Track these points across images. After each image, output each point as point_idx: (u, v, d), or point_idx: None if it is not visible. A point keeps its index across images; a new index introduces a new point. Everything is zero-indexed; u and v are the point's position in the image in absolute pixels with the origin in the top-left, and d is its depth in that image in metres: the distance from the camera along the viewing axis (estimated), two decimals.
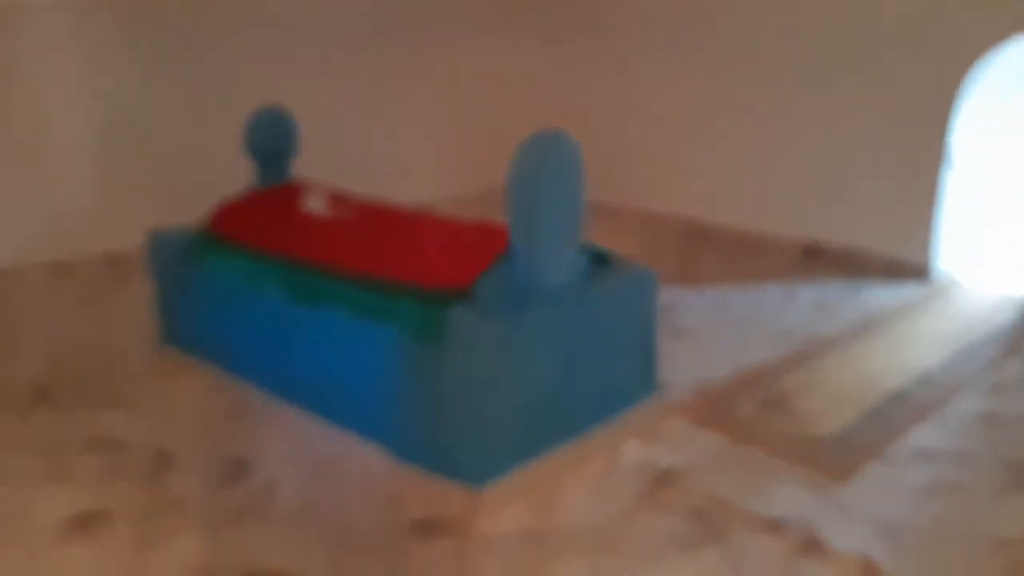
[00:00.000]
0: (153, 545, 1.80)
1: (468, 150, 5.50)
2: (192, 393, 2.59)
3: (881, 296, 3.68)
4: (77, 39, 3.86)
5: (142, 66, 4.06)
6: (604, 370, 2.22)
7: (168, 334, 2.86)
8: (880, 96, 3.93)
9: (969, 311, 3.48)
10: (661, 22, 4.87)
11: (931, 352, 3.00)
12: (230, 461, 2.18)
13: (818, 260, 4.24)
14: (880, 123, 3.96)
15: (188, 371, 2.72)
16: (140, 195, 4.05)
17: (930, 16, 3.66)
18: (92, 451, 2.22)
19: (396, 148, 5.15)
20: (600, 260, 2.31)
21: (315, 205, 2.49)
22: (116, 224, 3.92)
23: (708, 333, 3.19)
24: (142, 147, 4.10)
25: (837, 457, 2.21)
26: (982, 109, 3.86)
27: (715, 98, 4.67)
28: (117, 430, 2.33)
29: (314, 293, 2.17)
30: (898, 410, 2.51)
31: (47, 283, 3.73)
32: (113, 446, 2.25)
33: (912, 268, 3.94)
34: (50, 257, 3.87)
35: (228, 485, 2.06)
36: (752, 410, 2.51)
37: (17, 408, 2.48)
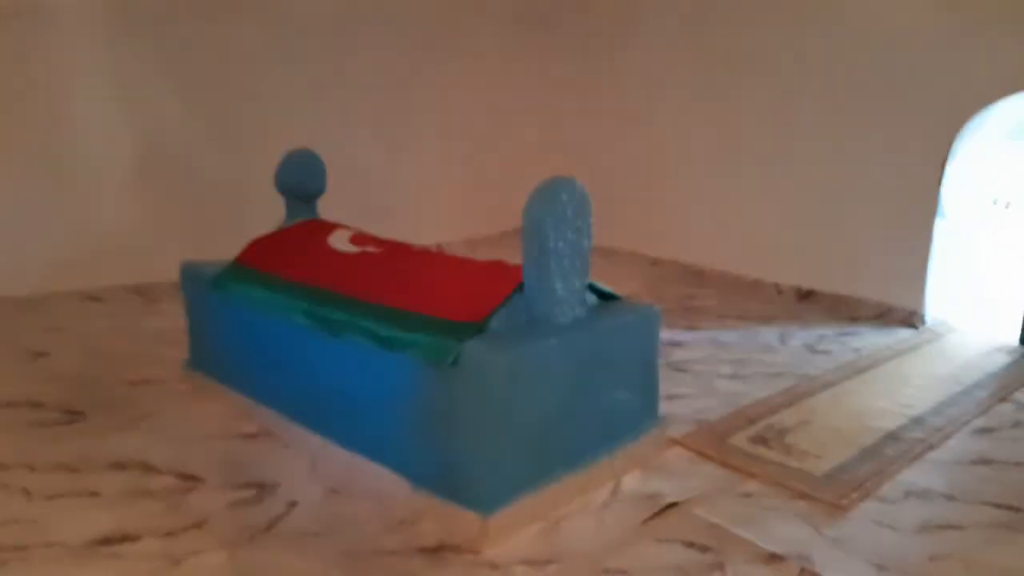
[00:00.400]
0: (177, 564, 1.86)
1: (481, 196, 5.70)
2: (216, 417, 2.66)
3: (874, 340, 3.76)
4: (116, 71, 4.02)
5: (180, 100, 4.21)
6: (609, 401, 2.29)
7: (196, 360, 2.95)
8: (873, 148, 4.07)
9: (961, 355, 3.57)
10: (667, 80, 5.06)
11: (924, 394, 3.07)
12: (251, 483, 2.24)
13: (812, 304, 4.33)
14: (873, 174, 4.09)
15: (213, 396, 2.79)
16: (173, 228, 4.20)
17: (924, 71, 3.80)
18: (119, 471, 2.29)
19: (415, 192, 5.35)
20: (606, 297, 2.41)
21: (339, 241, 2.60)
22: (148, 255, 4.06)
23: (707, 370, 3.28)
24: (177, 181, 4.25)
25: (833, 493, 2.27)
26: (974, 161, 4.00)
27: (715, 149, 4.85)
28: (144, 452, 2.40)
29: (335, 323, 2.25)
30: (892, 450, 2.57)
31: (78, 310, 3.83)
32: (139, 467, 2.32)
33: (904, 313, 4.03)
34: (82, 285, 3.98)
35: (249, 505, 2.13)
36: (750, 445, 2.58)
37: (49, 429, 2.56)
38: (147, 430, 2.56)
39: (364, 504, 2.15)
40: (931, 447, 2.61)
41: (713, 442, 2.59)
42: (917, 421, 2.81)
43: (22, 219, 3.84)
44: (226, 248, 2.88)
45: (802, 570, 1.90)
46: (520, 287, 2.14)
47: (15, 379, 2.96)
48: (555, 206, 2.07)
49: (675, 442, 2.58)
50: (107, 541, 1.94)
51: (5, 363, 3.13)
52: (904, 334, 3.86)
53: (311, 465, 2.35)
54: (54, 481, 2.23)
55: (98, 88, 3.98)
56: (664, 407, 2.66)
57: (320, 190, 2.97)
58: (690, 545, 2.00)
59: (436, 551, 1.94)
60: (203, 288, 2.76)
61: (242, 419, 2.64)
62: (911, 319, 3.98)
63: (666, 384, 2.87)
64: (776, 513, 2.17)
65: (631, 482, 2.31)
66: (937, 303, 4.04)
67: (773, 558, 1.95)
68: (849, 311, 4.19)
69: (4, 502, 2.11)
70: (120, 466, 2.32)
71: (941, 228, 3.92)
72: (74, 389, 2.88)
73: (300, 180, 2.89)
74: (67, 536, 1.96)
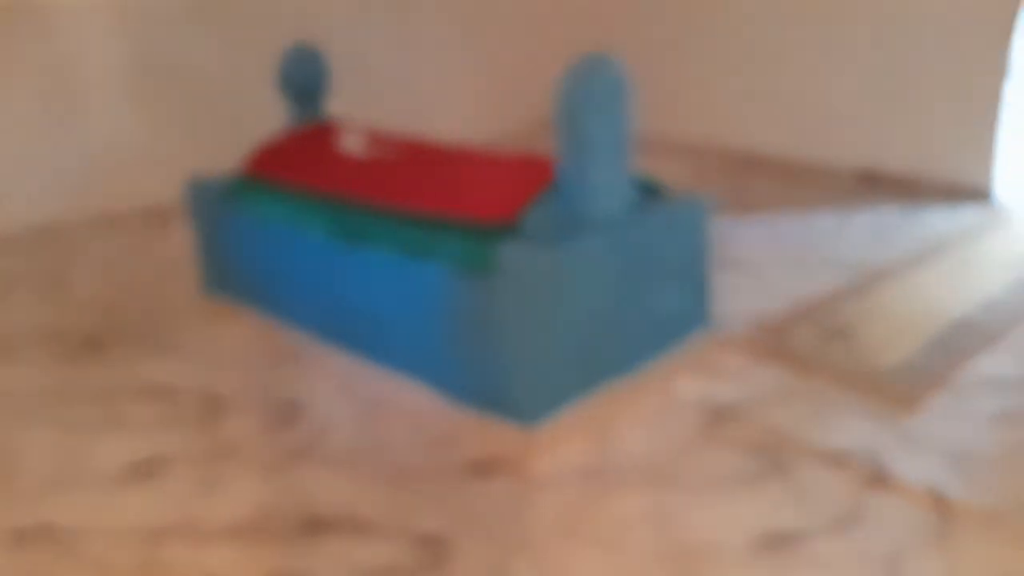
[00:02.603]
0: (211, 488, 1.83)
1: (508, 82, 5.37)
2: (239, 338, 2.61)
3: (941, 221, 3.55)
4: None
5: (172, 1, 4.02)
6: (657, 302, 2.18)
7: (212, 281, 2.88)
8: (939, 9, 3.74)
9: None
10: None
11: (995, 277, 2.90)
12: (282, 404, 2.19)
13: (873, 186, 4.10)
14: (936, 35, 3.77)
15: (234, 317, 2.74)
16: (177, 141, 4.06)
17: None
18: (146, 398, 2.26)
19: (432, 82, 5.03)
20: (650, 190, 2.25)
21: (352, 144, 2.45)
22: (157, 173, 3.93)
23: (762, 264, 3.12)
24: (178, 89, 4.08)
25: (902, 387, 2.16)
26: None
27: (760, 18, 4.50)
28: (168, 377, 2.37)
29: (358, 232, 2.14)
30: (964, 338, 2.44)
31: (90, 236, 3.78)
32: (166, 393, 2.28)
33: (972, 191, 3.79)
34: (92, 211, 3.92)
35: (281, 428, 2.08)
36: (811, 341, 2.45)
37: (72, 358, 2.53)
38: (172, 356, 2.52)
39: (400, 422, 2.08)
40: (1004, 333, 2.46)
41: (770, 340, 2.46)
42: (988, 307, 2.65)
43: (25, 149, 3.75)
44: (236, 156, 2.76)
45: (871, 468, 1.81)
46: (555, 180, 1.99)
47: (36, 310, 2.94)
48: (591, 87, 1.89)
49: (730, 342, 2.45)
50: (142, 468, 1.93)
51: (24, 294, 3.11)
52: (973, 213, 3.64)
53: (343, 384, 2.29)
54: (84, 410, 2.21)
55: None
56: (717, 306, 2.54)
57: (324, 87, 2.81)
58: (749, 450, 1.91)
59: (481, 466, 1.87)
60: (213, 205, 2.66)
61: (267, 340, 2.59)
62: (981, 195, 3.76)
63: (718, 281, 2.73)
64: (841, 411, 2.06)
65: (684, 387, 2.21)
66: (1008, 178, 3.80)
67: (839, 458, 1.85)
68: (914, 191, 3.96)
69: (37, 433, 2.11)
70: (148, 392, 2.29)
71: (1011, 92, 3.63)
72: (96, 317, 2.84)
73: (303, 77, 2.73)
74: (102, 464, 1.95)
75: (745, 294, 2.82)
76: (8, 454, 2.01)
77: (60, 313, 2.90)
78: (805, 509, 1.69)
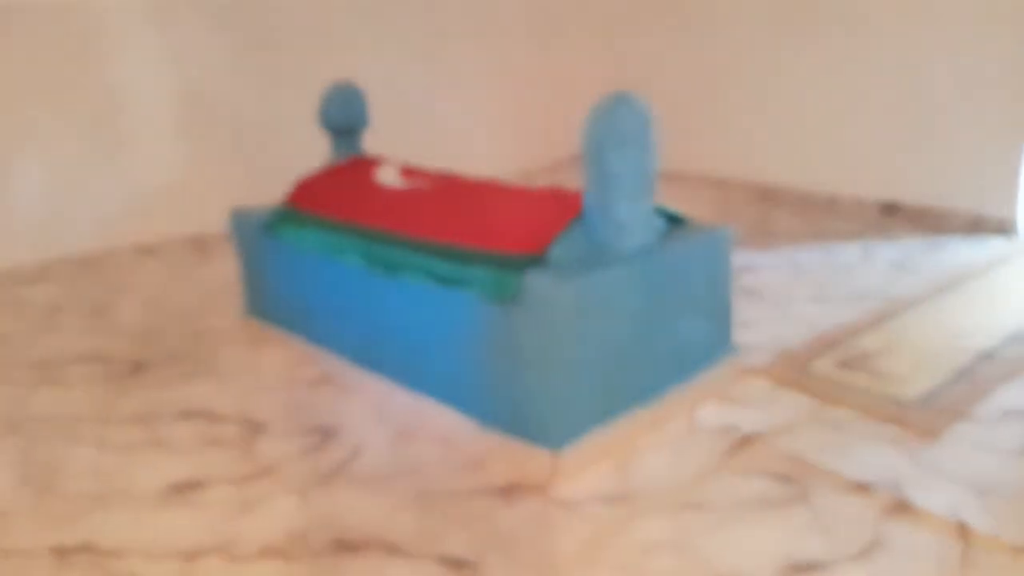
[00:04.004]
0: (248, 509, 1.87)
1: (534, 123, 5.49)
2: (277, 363, 2.67)
3: (964, 253, 3.54)
4: (156, 18, 3.99)
5: (219, 40, 4.16)
6: (680, 331, 2.20)
7: (253, 307, 2.95)
8: (960, 40, 3.74)
9: None
10: None
11: (1019, 309, 2.88)
12: (317, 427, 2.24)
13: (896, 218, 4.10)
14: (959, 71, 3.77)
15: (273, 342, 2.80)
16: (221, 174, 4.18)
17: None
18: (186, 421, 2.32)
19: (463, 121, 5.16)
20: (674, 221, 2.28)
21: (388, 177, 2.53)
22: (199, 204, 4.08)
23: (784, 294, 3.14)
24: (222, 125, 4.21)
25: (924, 417, 2.15)
26: None
27: (782, 54, 4.53)
28: (209, 400, 2.43)
29: (391, 262, 2.20)
30: (987, 369, 2.42)
31: (135, 264, 3.90)
32: (206, 415, 2.34)
33: (996, 223, 3.77)
34: (136, 239, 4.04)
35: (316, 451, 2.13)
36: (833, 371, 2.46)
37: (115, 381, 2.61)
38: (211, 379, 2.59)
39: (432, 446, 2.13)
40: None
41: (793, 369, 2.47)
42: (1014, 338, 2.63)
43: (74, 179, 3.88)
44: (275, 189, 2.84)
45: (894, 498, 1.81)
46: (581, 213, 2.04)
47: (81, 335, 3.03)
48: (616, 124, 1.94)
49: (752, 371, 2.47)
50: (181, 488, 1.97)
51: (70, 320, 3.20)
52: (997, 245, 3.62)
53: (376, 408, 2.34)
54: (126, 432, 2.27)
55: (139, 35, 3.96)
56: (739, 335, 2.55)
57: (364, 124, 2.89)
58: (772, 477, 1.92)
59: (508, 490, 1.91)
60: (255, 234, 2.74)
61: (304, 365, 2.64)
62: (1005, 227, 3.73)
63: (740, 311, 2.75)
64: (863, 440, 2.07)
65: (707, 414, 2.23)
66: None
67: (862, 487, 1.86)
68: (936, 223, 3.94)
69: (80, 453, 2.16)
70: (188, 415, 2.35)
71: None
72: (138, 342, 2.93)
73: (343, 114, 2.81)
74: (142, 484, 2.00)
75: (768, 324, 2.84)
76: (51, 473, 2.06)
77: (104, 338, 2.98)
78: (829, 537, 1.70)
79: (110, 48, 3.88)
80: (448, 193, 2.35)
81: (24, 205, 3.75)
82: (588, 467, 1.97)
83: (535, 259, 1.94)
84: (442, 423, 2.18)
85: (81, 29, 3.78)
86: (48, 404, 2.46)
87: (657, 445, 2.08)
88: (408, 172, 2.58)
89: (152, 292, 3.49)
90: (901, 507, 1.78)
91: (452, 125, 5.09)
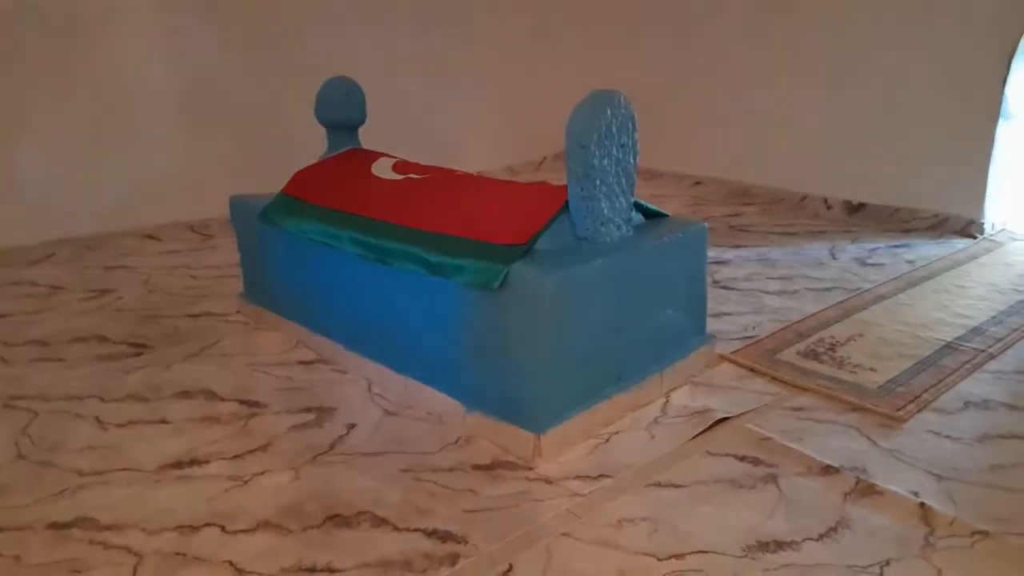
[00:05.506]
0: (246, 483, 1.94)
1: (521, 121, 5.60)
2: (274, 347, 2.74)
3: (929, 251, 3.66)
4: (158, 6, 4.03)
5: (220, 33, 4.21)
6: (657, 320, 2.29)
7: (251, 292, 3.02)
8: (929, 42, 3.83)
9: (1021, 264, 3.45)
10: None
11: (982, 304, 3.00)
12: (311, 408, 2.32)
13: (863, 217, 4.21)
14: (928, 72, 3.87)
15: (270, 327, 2.87)
16: (221, 163, 4.24)
17: None
18: (185, 399, 2.39)
19: (455, 119, 5.27)
20: (652, 216, 2.37)
21: (382, 169, 2.59)
22: (200, 191, 4.15)
23: (754, 287, 3.25)
24: (223, 116, 4.27)
25: (888, 405, 2.24)
26: None
27: (755, 57, 4.63)
28: (208, 381, 2.49)
29: (384, 251, 2.27)
30: (949, 360, 2.52)
31: (137, 248, 3.95)
32: (204, 395, 2.41)
33: (961, 223, 3.88)
34: (138, 224, 4.09)
35: (310, 429, 2.20)
36: (801, 359, 2.55)
37: (117, 362, 2.67)
38: (209, 361, 2.65)
39: (420, 425, 2.21)
40: (991, 357, 2.55)
41: (763, 357, 2.57)
42: (975, 331, 2.75)
43: (79, 163, 3.92)
44: (274, 180, 2.90)
45: (857, 481, 1.88)
46: (565, 207, 2.12)
47: (82, 316, 3.08)
48: (599, 121, 2.02)
49: (724, 358, 2.57)
50: (179, 464, 2.03)
51: (72, 301, 3.25)
52: (961, 244, 3.74)
53: (367, 390, 2.41)
54: (125, 410, 2.33)
55: (142, 26, 3.99)
56: (712, 325, 2.64)
57: (361, 119, 2.94)
58: (742, 458, 2.01)
59: (491, 468, 1.99)
60: (253, 221, 2.80)
61: (299, 348, 2.72)
62: (969, 228, 3.85)
63: (714, 302, 2.85)
64: (829, 426, 2.16)
65: (680, 398, 2.32)
66: (997, 211, 3.88)
67: (827, 470, 1.93)
68: (902, 222, 4.06)
69: (81, 430, 2.21)
70: (186, 394, 2.42)
71: (1004, 131, 3.73)
72: (138, 324, 2.99)
73: (340, 109, 2.86)
74: (141, 461, 2.05)
75: (740, 315, 2.95)
76: (50, 449, 2.11)
77: (105, 319, 3.03)
78: (795, 516, 1.77)
79: (116, 36, 3.92)
80: (440, 186, 2.42)
81: (29, 187, 3.78)
82: (569, 447, 2.05)
83: (521, 250, 2.02)
84: (430, 405, 2.25)
85: (87, 17, 3.81)
86: (48, 382, 2.51)
87: (634, 427, 2.17)
88: (402, 166, 2.65)
89: (153, 275, 3.54)
90: (865, 489, 1.85)
91: (443, 122, 5.18)
